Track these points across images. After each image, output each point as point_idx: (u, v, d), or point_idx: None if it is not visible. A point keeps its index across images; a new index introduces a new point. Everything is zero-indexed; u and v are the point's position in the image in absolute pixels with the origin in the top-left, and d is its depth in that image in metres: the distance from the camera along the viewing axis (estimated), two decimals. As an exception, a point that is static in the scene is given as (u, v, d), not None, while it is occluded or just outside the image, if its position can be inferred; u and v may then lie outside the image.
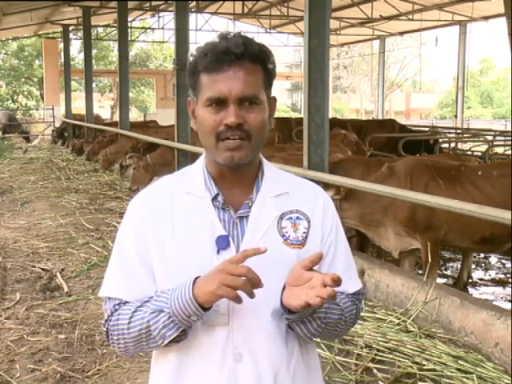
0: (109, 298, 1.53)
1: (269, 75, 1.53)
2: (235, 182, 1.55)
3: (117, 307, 1.51)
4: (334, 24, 20.69)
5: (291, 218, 1.54)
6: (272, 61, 1.53)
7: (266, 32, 25.54)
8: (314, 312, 1.46)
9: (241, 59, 1.46)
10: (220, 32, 1.52)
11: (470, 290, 6.32)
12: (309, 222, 1.55)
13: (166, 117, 21.63)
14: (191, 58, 1.51)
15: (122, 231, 1.57)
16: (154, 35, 35.09)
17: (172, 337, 1.44)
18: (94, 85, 23.72)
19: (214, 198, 1.53)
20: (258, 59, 1.49)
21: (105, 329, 1.53)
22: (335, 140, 9.15)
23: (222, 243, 1.48)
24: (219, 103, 1.46)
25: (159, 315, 1.43)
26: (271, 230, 1.52)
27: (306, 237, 1.54)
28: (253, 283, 1.35)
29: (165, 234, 1.51)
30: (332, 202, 1.66)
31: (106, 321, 1.52)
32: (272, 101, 1.57)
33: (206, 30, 23.49)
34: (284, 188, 1.58)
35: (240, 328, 1.47)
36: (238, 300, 1.36)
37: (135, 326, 1.46)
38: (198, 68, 1.49)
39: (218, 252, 1.48)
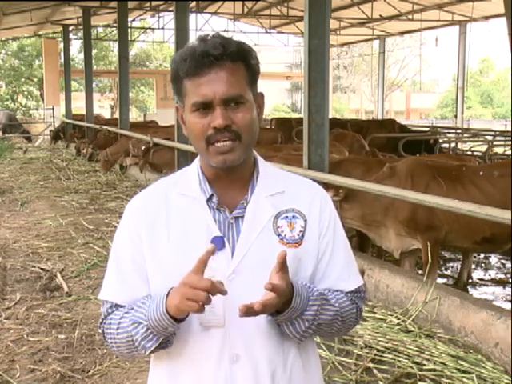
0: (105, 300, 1.56)
1: (252, 72, 1.51)
2: (230, 183, 1.54)
3: (110, 310, 1.53)
4: (334, 24, 20.69)
5: (287, 216, 1.53)
6: (254, 57, 1.52)
7: (266, 32, 25.56)
8: (303, 313, 1.46)
9: (221, 60, 1.44)
10: (199, 35, 1.51)
11: (470, 290, 6.31)
12: (305, 220, 1.54)
13: (166, 117, 21.66)
14: (172, 65, 1.50)
15: (118, 234, 1.58)
16: (154, 35, 35.19)
17: (152, 348, 1.45)
18: (94, 85, 23.70)
19: (209, 199, 1.53)
20: (238, 57, 1.47)
21: (100, 330, 1.56)
22: (344, 143, 9.13)
23: (218, 244, 1.47)
24: (205, 107, 1.46)
25: (138, 327, 1.45)
26: (267, 230, 1.51)
27: (303, 236, 1.53)
28: (218, 292, 1.36)
29: (160, 236, 1.51)
30: (330, 199, 1.64)
31: (101, 323, 1.55)
32: (259, 97, 1.56)
33: (206, 30, 23.48)
34: (280, 187, 1.57)
35: (236, 328, 1.47)
36: (201, 311, 1.36)
37: (123, 332, 1.48)
38: (179, 74, 1.48)
39: (214, 253, 1.47)
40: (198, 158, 1.60)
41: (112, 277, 1.56)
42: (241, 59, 1.48)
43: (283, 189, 1.57)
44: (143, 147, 11.12)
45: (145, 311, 1.44)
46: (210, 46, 1.44)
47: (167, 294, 1.41)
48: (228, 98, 1.45)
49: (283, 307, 1.42)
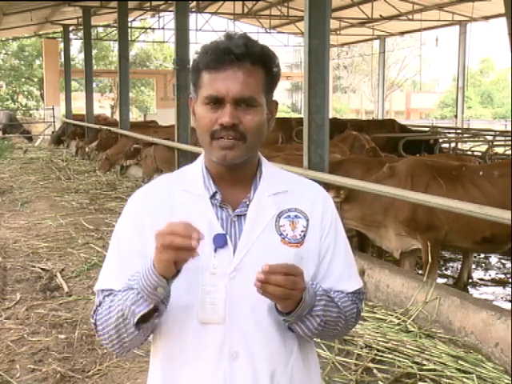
0: (101, 290, 1.51)
1: (271, 78, 1.52)
2: (234, 181, 1.55)
3: (106, 298, 1.49)
4: (334, 24, 20.67)
5: (289, 216, 1.54)
6: (276, 64, 1.52)
7: (266, 32, 25.54)
8: (312, 310, 1.46)
9: (241, 60, 1.45)
10: (227, 31, 1.52)
11: (470, 290, 6.31)
12: (307, 220, 1.55)
13: (166, 117, 21.64)
14: (195, 56, 1.52)
15: (120, 226, 1.56)
16: (154, 35, 35.17)
17: (141, 313, 1.39)
18: (94, 85, 23.68)
19: (212, 197, 1.53)
20: (259, 61, 1.48)
21: (93, 320, 1.51)
22: (344, 142, 9.12)
23: (220, 241, 1.48)
24: (216, 102, 1.47)
25: (129, 292, 1.41)
26: (269, 229, 1.51)
27: (304, 235, 1.53)
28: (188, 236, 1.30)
29: None
30: (332, 200, 1.65)
31: (95, 312, 1.51)
32: (273, 104, 1.57)
33: (206, 30, 23.49)
34: (282, 186, 1.57)
35: (236, 326, 1.47)
36: (181, 256, 1.32)
37: (114, 309, 1.44)
38: (199, 65, 1.50)
39: (216, 250, 1.47)
40: (202, 155, 1.60)
41: (112, 266, 1.52)
42: (261, 63, 1.49)
43: (286, 188, 1.57)
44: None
45: (136, 277, 1.40)
46: (234, 44, 1.46)
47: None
48: (240, 98, 1.46)
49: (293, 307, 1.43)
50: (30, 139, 23.58)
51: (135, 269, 1.45)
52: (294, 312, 1.44)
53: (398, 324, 4.59)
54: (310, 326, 1.48)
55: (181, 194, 1.54)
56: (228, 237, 1.49)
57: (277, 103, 1.59)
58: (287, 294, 1.37)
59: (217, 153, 1.47)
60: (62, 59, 24.95)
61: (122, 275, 1.47)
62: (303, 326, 1.48)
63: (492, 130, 16.79)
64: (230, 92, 1.45)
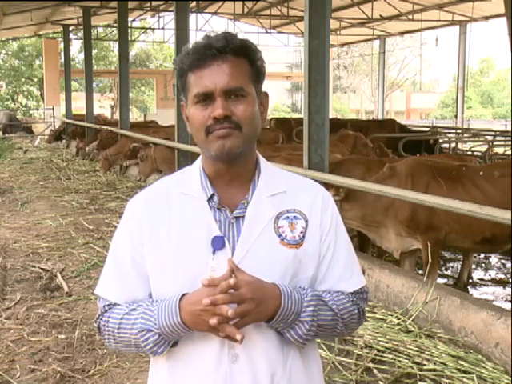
0: (102, 298, 1.57)
1: (256, 70, 1.52)
2: (231, 181, 1.54)
3: (107, 308, 1.54)
4: (334, 24, 20.70)
5: (288, 217, 1.53)
6: (259, 57, 1.53)
7: (266, 32, 25.55)
8: (299, 315, 1.46)
9: (223, 53, 1.46)
10: (205, 34, 1.53)
11: (470, 290, 6.31)
12: (306, 221, 1.53)
13: (166, 117, 21.68)
14: (178, 61, 1.52)
15: (119, 233, 1.59)
16: (154, 35, 35.20)
17: (164, 352, 1.49)
18: (94, 85, 23.68)
19: (210, 199, 1.52)
20: (240, 52, 1.48)
21: (96, 325, 1.57)
22: (346, 143, 9.12)
23: (218, 244, 1.48)
24: (206, 98, 1.47)
25: (148, 334, 1.46)
26: (267, 230, 1.51)
27: (304, 236, 1.52)
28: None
29: (161, 235, 1.51)
30: (332, 199, 1.63)
31: (98, 318, 1.56)
32: (263, 96, 1.57)
33: (206, 30, 23.48)
34: (281, 187, 1.56)
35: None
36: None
37: (125, 333, 1.49)
38: (184, 68, 1.50)
39: (214, 253, 1.47)
40: (200, 157, 1.60)
41: (108, 275, 1.57)
42: (243, 54, 1.49)
43: (285, 189, 1.56)
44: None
45: (153, 319, 1.45)
46: (214, 39, 1.47)
47: (179, 305, 1.43)
48: (229, 89, 1.46)
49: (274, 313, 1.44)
50: (32, 133, 23.59)
51: (132, 280, 1.53)
52: (274, 320, 1.45)
53: (398, 324, 4.59)
54: (300, 332, 1.48)
55: (179, 197, 1.54)
56: (226, 239, 1.49)
57: (267, 94, 1.59)
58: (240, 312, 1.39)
59: (214, 144, 1.47)
60: (62, 59, 24.96)
61: (120, 291, 1.54)
62: (292, 331, 1.48)
63: (492, 130, 16.78)
64: (218, 85, 1.45)
